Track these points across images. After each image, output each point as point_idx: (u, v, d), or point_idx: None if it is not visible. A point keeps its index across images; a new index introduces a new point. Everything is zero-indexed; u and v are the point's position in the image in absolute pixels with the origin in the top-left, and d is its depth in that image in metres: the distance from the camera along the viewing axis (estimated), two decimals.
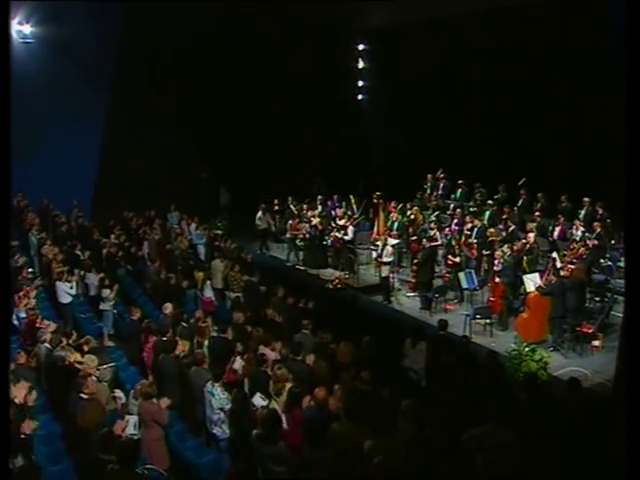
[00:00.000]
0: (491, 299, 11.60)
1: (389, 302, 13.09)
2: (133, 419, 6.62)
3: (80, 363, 7.69)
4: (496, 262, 11.86)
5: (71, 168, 15.85)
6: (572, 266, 10.70)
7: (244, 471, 5.70)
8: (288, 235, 15.78)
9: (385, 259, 12.99)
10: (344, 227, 14.80)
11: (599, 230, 12.73)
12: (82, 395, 6.76)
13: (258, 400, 7.10)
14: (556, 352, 10.41)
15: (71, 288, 11.16)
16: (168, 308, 9.93)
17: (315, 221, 15.30)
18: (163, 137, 17.30)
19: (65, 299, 11.13)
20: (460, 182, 16.74)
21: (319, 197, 16.91)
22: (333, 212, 16.23)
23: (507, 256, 11.65)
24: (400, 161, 18.94)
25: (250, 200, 17.07)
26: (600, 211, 13.64)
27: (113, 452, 5.41)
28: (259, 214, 16.79)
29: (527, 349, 9.61)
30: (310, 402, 6.69)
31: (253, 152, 18.49)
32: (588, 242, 12.16)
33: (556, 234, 13.39)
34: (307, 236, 15.18)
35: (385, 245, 13.03)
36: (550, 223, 13.86)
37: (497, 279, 11.48)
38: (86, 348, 8.22)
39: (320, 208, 16.40)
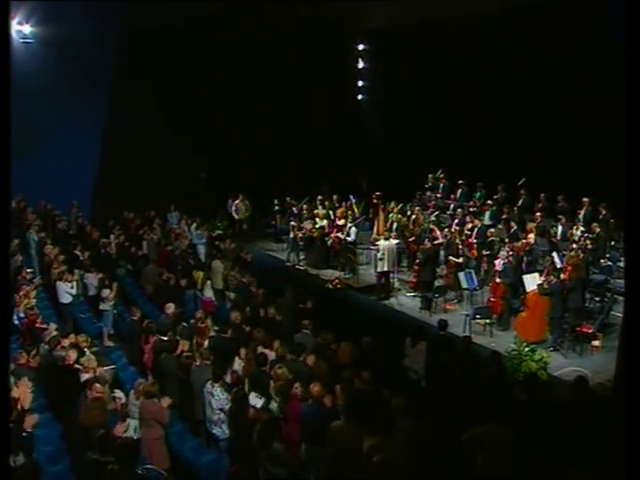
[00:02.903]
0: (492, 299, 11.59)
1: (387, 299, 13.10)
2: (134, 423, 6.61)
3: (80, 364, 7.71)
4: (497, 262, 11.85)
5: (71, 168, 15.81)
6: (571, 268, 10.71)
7: (244, 471, 5.70)
8: (292, 235, 15.80)
9: (378, 255, 13.07)
10: (344, 227, 14.81)
11: (598, 230, 12.73)
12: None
13: (254, 399, 7.10)
14: (556, 352, 10.43)
15: (72, 288, 11.16)
16: (170, 308, 9.93)
17: (322, 222, 15.29)
18: (163, 137, 17.29)
19: (65, 299, 11.13)
20: (460, 182, 16.74)
21: (319, 197, 16.93)
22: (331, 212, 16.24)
23: (510, 256, 11.65)
24: (400, 161, 18.93)
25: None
26: (601, 211, 13.64)
27: (111, 454, 5.40)
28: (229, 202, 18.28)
29: (527, 349, 9.63)
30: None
31: (252, 152, 18.47)
32: (587, 242, 12.15)
33: (559, 235, 13.39)
34: (312, 235, 15.18)
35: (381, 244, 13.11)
36: (550, 223, 13.86)
37: (498, 279, 11.48)
38: (84, 345, 8.23)
39: (320, 208, 16.40)
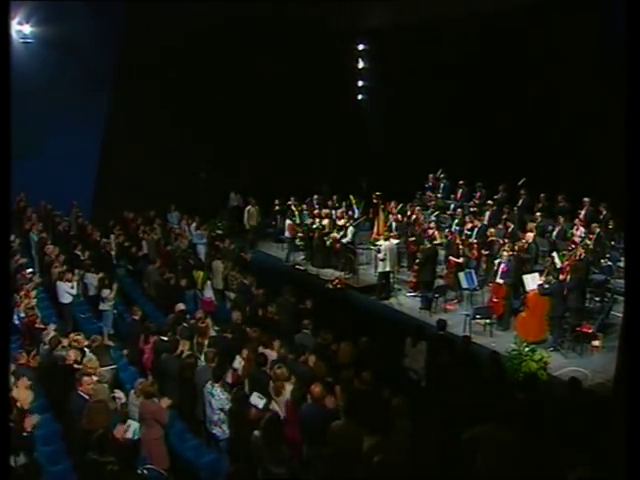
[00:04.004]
0: (494, 300, 11.56)
1: (387, 299, 13.10)
2: (135, 425, 6.61)
3: (80, 363, 7.71)
4: (498, 262, 11.83)
5: (71, 168, 15.83)
6: (570, 268, 10.70)
7: (244, 471, 5.70)
8: (287, 234, 15.77)
9: (379, 255, 13.08)
10: (343, 227, 14.80)
11: (598, 230, 12.73)
12: (82, 394, 6.76)
13: (255, 399, 7.10)
14: (556, 352, 10.42)
15: (72, 288, 11.17)
16: (180, 308, 9.94)
17: (325, 222, 15.28)
18: (163, 137, 17.29)
19: (66, 299, 11.14)
20: (460, 182, 16.75)
21: (315, 197, 16.91)
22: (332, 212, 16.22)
23: (510, 257, 11.64)
24: (400, 161, 18.93)
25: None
26: (601, 211, 13.64)
27: (111, 454, 5.40)
28: (231, 194, 18.92)
29: (527, 349, 9.61)
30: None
31: (252, 152, 18.48)
32: (587, 242, 12.16)
33: (555, 235, 13.39)
34: (316, 235, 15.17)
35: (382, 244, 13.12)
36: (550, 223, 13.86)
37: (500, 280, 11.46)
38: (84, 345, 8.23)
39: (317, 208, 16.39)
